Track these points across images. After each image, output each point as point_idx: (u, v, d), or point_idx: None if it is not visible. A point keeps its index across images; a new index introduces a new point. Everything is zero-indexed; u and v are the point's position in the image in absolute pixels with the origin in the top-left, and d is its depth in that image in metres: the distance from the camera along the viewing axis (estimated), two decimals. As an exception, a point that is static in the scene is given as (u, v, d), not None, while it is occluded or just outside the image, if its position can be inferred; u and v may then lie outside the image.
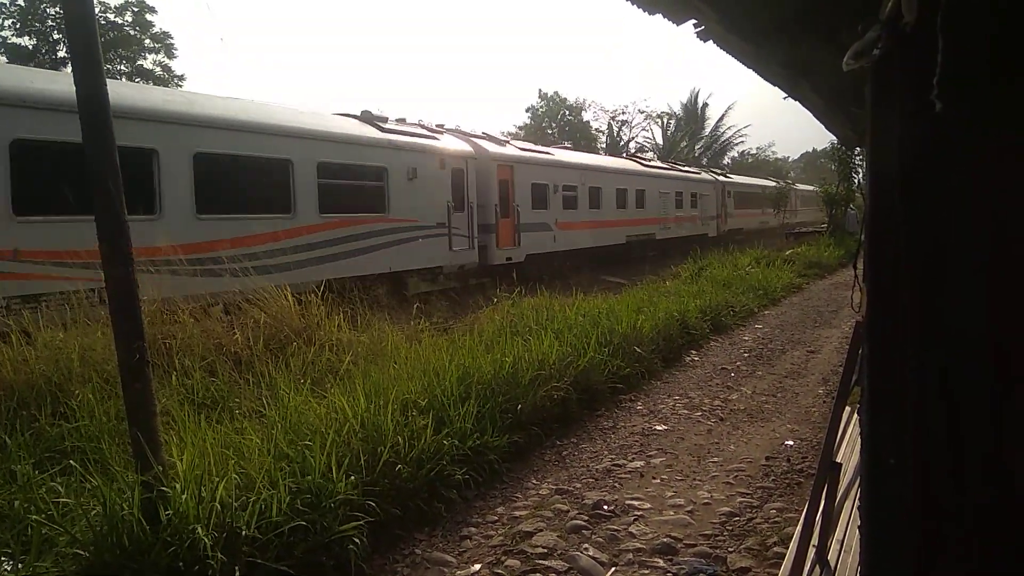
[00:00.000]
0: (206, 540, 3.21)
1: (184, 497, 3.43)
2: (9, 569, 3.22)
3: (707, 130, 57.42)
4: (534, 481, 5.15)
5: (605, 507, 4.60)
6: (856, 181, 28.05)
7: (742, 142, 61.02)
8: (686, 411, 6.89)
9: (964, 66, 1.14)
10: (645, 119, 56.41)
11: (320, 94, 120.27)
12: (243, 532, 3.39)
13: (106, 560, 3.17)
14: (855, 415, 4.34)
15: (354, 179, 13.32)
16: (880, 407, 1.46)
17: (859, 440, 3.22)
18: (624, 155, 41.74)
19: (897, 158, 1.33)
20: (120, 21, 38.51)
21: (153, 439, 3.51)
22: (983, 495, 1.25)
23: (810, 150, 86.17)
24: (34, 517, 3.43)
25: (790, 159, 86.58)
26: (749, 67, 2.78)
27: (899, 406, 1.37)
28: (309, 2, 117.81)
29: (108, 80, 3.53)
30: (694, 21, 2.15)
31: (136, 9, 38.62)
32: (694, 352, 9.70)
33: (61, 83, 8.44)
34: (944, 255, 1.28)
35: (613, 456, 5.63)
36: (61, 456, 4.36)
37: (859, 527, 1.61)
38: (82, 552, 3.22)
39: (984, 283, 1.24)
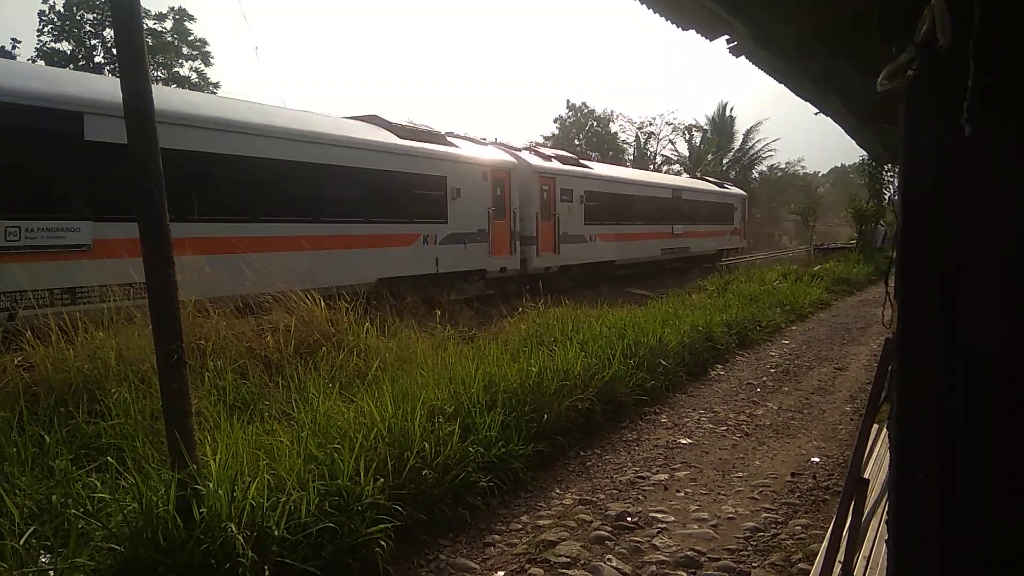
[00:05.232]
0: (240, 538, 3.29)
1: (218, 495, 3.50)
2: (47, 561, 3.31)
3: (736, 143, 56.97)
4: (558, 491, 5.16)
5: (629, 519, 4.61)
6: (887, 197, 27.68)
7: (771, 156, 60.32)
8: (711, 425, 6.86)
9: (995, 90, 1.17)
10: (673, 131, 56.19)
11: (344, 103, 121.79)
12: (274, 532, 3.45)
13: (141, 555, 3.24)
14: (883, 431, 4.31)
15: None
16: (909, 422, 1.48)
17: (887, 456, 3.21)
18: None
19: (929, 177, 1.35)
20: (160, 28, 39.47)
21: (188, 438, 3.60)
22: (1007, 511, 1.27)
23: (839, 165, 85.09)
24: (71, 512, 3.52)
25: (820, 174, 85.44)
26: (781, 82, 2.81)
27: (927, 422, 1.39)
28: (340, 11, 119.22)
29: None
30: (727, 37, 2.19)
31: (177, 16, 39.62)
32: (719, 366, 9.64)
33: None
34: (973, 273, 1.30)
35: (637, 468, 5.62)
36: (97, 453, 4.47)
37: (886, 541, 1.63)
38: (117, 547, 3.30)
39: (1014, 301, 1.26)
